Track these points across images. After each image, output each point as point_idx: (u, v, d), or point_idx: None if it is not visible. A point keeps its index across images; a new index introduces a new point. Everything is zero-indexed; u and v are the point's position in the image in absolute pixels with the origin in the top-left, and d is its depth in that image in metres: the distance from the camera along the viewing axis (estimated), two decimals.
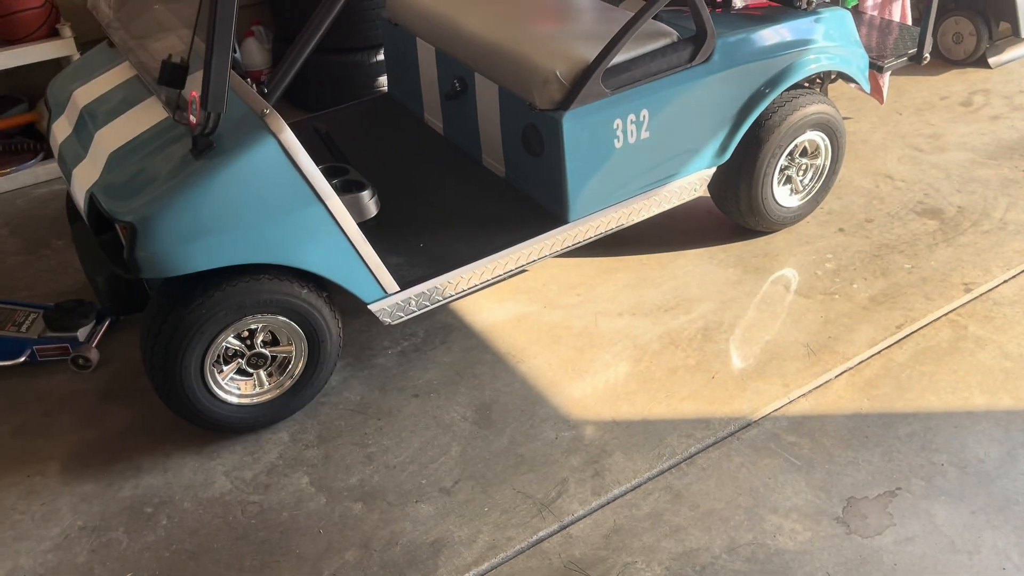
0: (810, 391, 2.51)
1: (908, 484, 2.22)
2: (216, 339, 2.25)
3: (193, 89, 2.05)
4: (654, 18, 2.64)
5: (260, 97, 2.18)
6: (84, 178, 2.30)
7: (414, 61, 3.13)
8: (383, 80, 4.06)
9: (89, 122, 2.43)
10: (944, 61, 4.31)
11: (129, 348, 2.81)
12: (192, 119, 2.06)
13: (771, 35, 2.82)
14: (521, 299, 2.94)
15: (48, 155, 3.87)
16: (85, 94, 2.54)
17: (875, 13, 3.66)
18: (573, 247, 2.72)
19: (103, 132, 2.34)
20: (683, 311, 2.83)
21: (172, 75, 2.02)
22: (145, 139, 2.25)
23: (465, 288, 2.56)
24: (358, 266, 2.34)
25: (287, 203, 2.16)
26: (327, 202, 2.22)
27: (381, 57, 4.01)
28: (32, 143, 3.89)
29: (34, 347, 2.72)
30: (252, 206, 2.12)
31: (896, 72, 4.14)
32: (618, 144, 2.63)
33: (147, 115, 2.32)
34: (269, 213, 2.14)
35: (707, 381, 2.56)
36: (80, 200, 2.32)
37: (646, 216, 2.83)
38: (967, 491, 2.20)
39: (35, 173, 3.81)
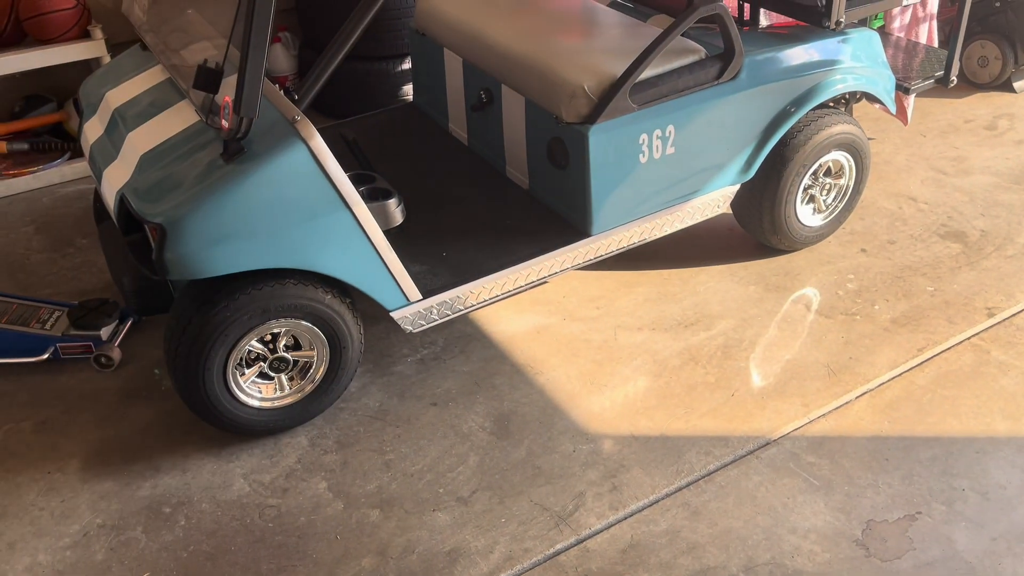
0: (830, 412, 2.50)
1: (928, 509, 2.20)
2: (239, 342, 2.26)
3: (226, 94, 2.07)
4: (682, 35, 2.65)
5: (291, 103, 2.20)
6: (115, 179, 2.32)
7: (441, 71, 3.15)
8: (407, 89, 4.08)
9: (121, 123, 2.45)
10: (969, 84, 4.30)
11: (151, 348, 2.83)
12: (224, 123, 2.08)
13: (798, 54, 2.82)
14: (541, 311, 2.94)
15: (75, 154, 3.91)
16: (117, 96, 2.57)
17: (902, 34, 3.66)
18: (595, 260, 2.72)
19: (135, 134, 2.37)
20: (703, 327, 2.83)
21: (206, 79, 2.04)
22: (176, 142, 2.28)
23: (487, 298, 2.57)
24: (382, 273, 2.35)
25: (315, 209, 2.18)
26: (354, 209, 2.23)
27: (406, 66, 4.04)
28: (59, 142, 3.94)
29: (57, 344, 2.74)
30: (280, 211, 2.14)
31: (920, 94, 4.13)
32: (643, 159, 2.63)
33: (179, 118, 2.34)
34: (297, 218, 2.16)
35: (727, 398, 2.56)
36: (110, 200, 2.34)
37: (669, 231, 2.83)
38: (988, 517, 2.18)
39: (61, 172, 3.85)
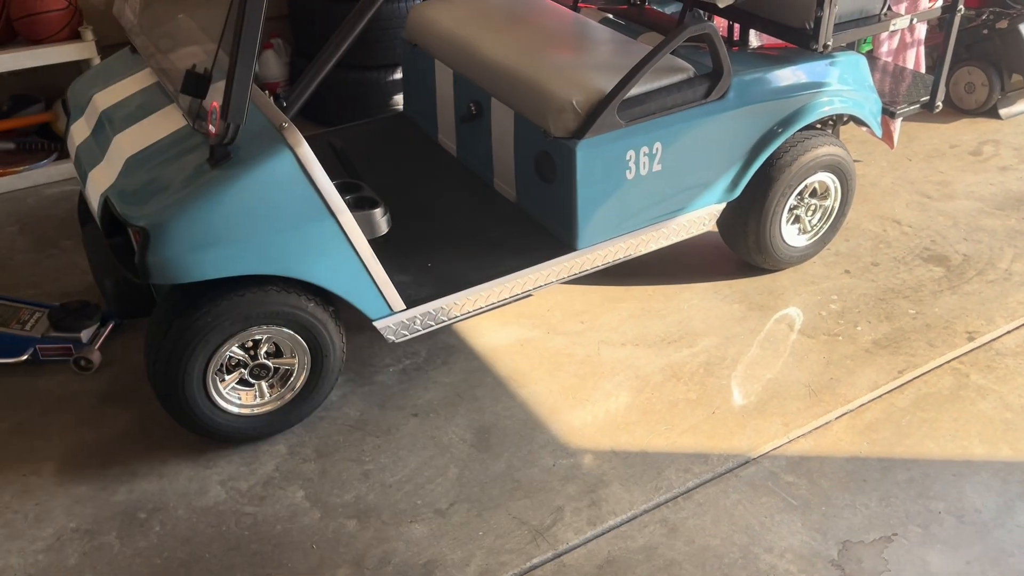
0: (810, 431, 2.51)
1: (904, 530, 2.21)
2: (220, 348, 2.25)
3: (214, 99, 2.07)
4: (672, 53, 2.67)
5: (279, 110, 2.20)
6: (100, 181, 2.31)
7: (431, 82, 3.16)
8: (398, 99, 4.09)
9: (108, 126, 2.45)
10: (955, 110, 4.34)
11: (131, 352, 2.81)
12: (211, 129, 2.08)
13: (786, 76, 2.85)
14: (525, 324, 2.94)
15: (61, 155, 3.90)
16: (105, 98, 2.56)
17: (889, 59, 3.70)
18: (580, 275, 2.73)
19: (121, 137, 2.36)
20: (686, 344, 2.84)
21: (195, 84, 2.04)
22: (162, 146, 2.27)
23: (470, 310, 2.57)
24: (366, 282, 2.35)
25: (300, 216, 2.17)
26: (339, 217, 2.23)
27: (396, 76, 4.04)
28: (47, 143, 3.92)
29: (37, 346, 2.72)
30: (265, 217, 2.13)
31: (907, 119, 4.17)
32: (630, 175, 2.65)
33: (165, 122, 2.34)
34: (281, 225, 2.15)
35: (707, 416, 2.56)
36: (94, 202, 2.33)
37: (654, 248, 2.84)
38: (963, 540, 2.19)
39: (48, 172, 3.83)
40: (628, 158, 2.62)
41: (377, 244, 2.36)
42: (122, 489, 2.34)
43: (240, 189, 2.09)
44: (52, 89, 4.08)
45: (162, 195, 2.13)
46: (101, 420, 2.56)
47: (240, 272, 2.15)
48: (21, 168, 3.79)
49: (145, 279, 2.11)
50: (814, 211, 3.11)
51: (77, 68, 3.93)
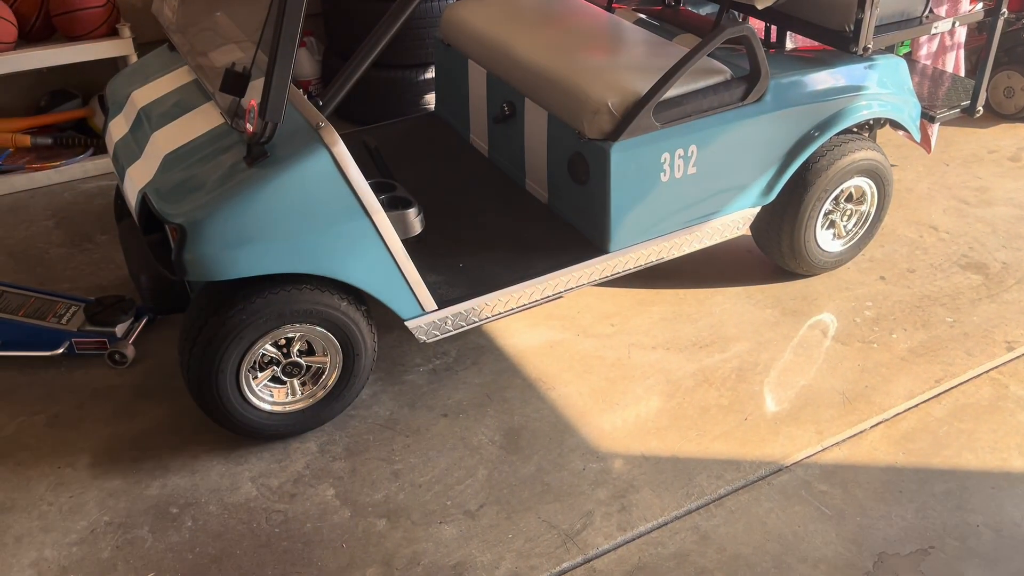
0: (844, 440, 2.47)
1: (942, 543, 2.17)
2: (254, 345, 2.26)
3: (252, 98, 2.08)
4: (708, 55, 2.65)
5: (315, 109, 2.20)
6: (137, 177, 2.33)
7: (464, 82, 3.16)
8: (429, 98, 4.09)
9: (146, 123, 2.47)
10: (994, 115, 4.27)
11: (165, 347, 2.84)
12: (249, 127, 2.09)
13: (824, 79, 2.81)
14: (555, 326, 2.93)
15: (98, 151, 3.94)
16: (144, 95, 2.58)
17: (928, 62, 3.64)
18: (612, 277, 2.71)
19: (159, 134, 2.38)
20: (718, 349, 2.81)
21: (234, 83, 2.05)
22: (200, 143, 2.28)
23: (501, 311, 2.56)
24: (399, 282, 2.35)
25: (335, 215, 2.18)
26: (374, 217, 2.23)
27: (428, 76, 4.05)
28: (83, 138, 3.96)
29: (73, 339, 2.75)
30: (301, 216, 2.14)
31: (945, 123, 4.10)
32: (664, 178, 2.63)
33: (203, 120, 2.35)
34: (317, 224, 2.16)
35: (739, 422, 2.53)
36: (132, 199, 2.35)
37: (687, 251, 2.82)
38: (1002, 555, 2.15)
39: (84, 168, 3.87)
40: (663, 160, 2.59)
41: (409, 244, 2.36)
42: (155, 483, 2.35)
43: (276, 187, 2.10)
44: (89, 85, 4.13)
45: (199, 192, 2.14)
46: (135, 414, 2.59)
47: (275, 270, 2.16)
48: (58, 163, 3.83)
49: (181, 276, 2.12)
50: (850, 216, 3.07)
51: (114, 65, 3.98)
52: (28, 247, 3.40)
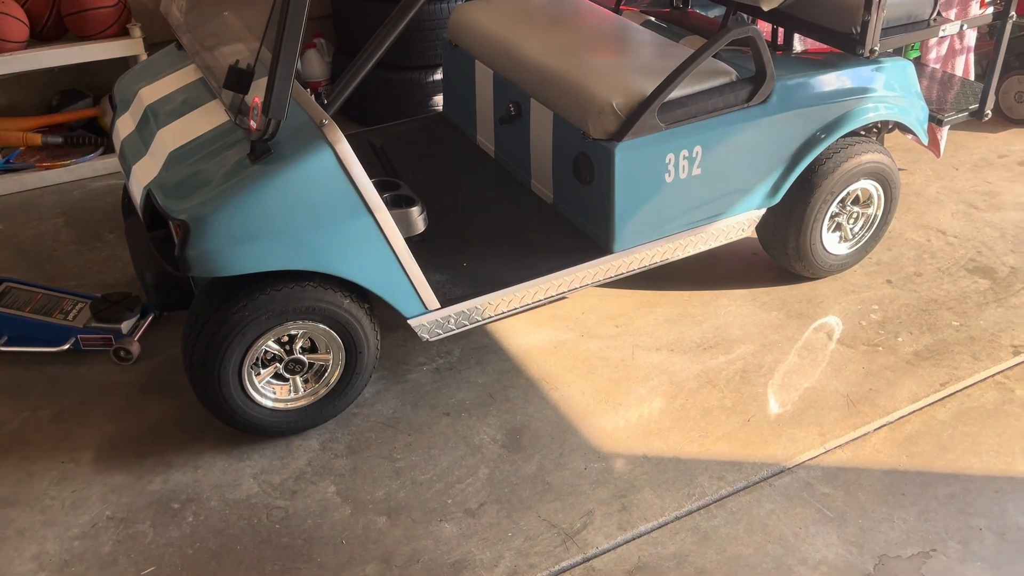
0: (847, 442, 2.46)
1: (944, 547, 2.16)
2: (256, 342, 2.27)
3: (256, 95, 2.09)
4: (714, 56, 2.65)
5: (319, 107, 2.21)
6: (143, 174, 2.35)
7: (471, 83, 3.17)
8: (436, 99, 4.10)
9: (152, 120, 2.48)
10: (1004, 119, 4.24)
11: (170, 344, 2.85)
12: (252, 124, 2.10)
13: (830, 81, 2.80)
14: (559, 326, 2.93)
15: (108, 150, 3.97)
16: (150, 93, 2.60)
17: (937, 66, 3.63)
18: (616, 278, 2.71)
19: (165, 131, 2.40)
20: (722, 351, 2.80)
21: (237, 80, 2.06)
22: (205, 141, 2.30)
23: (505, 310, 2.56)
24: (401, 280, 2.35)
25: (338, 213, 2.18)
26: (377, 215, 2.24)
27: (436, 77, 4.06)
28: (93, 137, 3.99)
29: (79, 336, 2.77)
30: (304, 213, 2.15)
31: (954, 127, 4.09)
32: (669, 179, 2.62)
33: (208, 117, 2.37)
34: (320, 221, 2.17)
35: (742, 424, 2.52)
36: (137, 196, 2.37)
37: (692, 252, 2.81)
38: (1004, 559, 2.13)
39: (94, 166, 3.90)
40: (667, 161, 2.59)
41: (413, 242, 2.37)
42: (157, 479, 2.37)
43: (280, 184, 2.11)
44: (100, 85, 4.16)
45: (203, 189, 2.15)
46: (139, 410, 2.60)
47: (278, 267, 2.17)
48: (68, 161, 3.86)
49: (184, 272, 2.13)
50: (856, 219, 3.06)
51: (124, 64, 4.01)
52: (37, 244, 3.42)
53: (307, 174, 2.13)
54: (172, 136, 2.36)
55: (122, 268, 3.26)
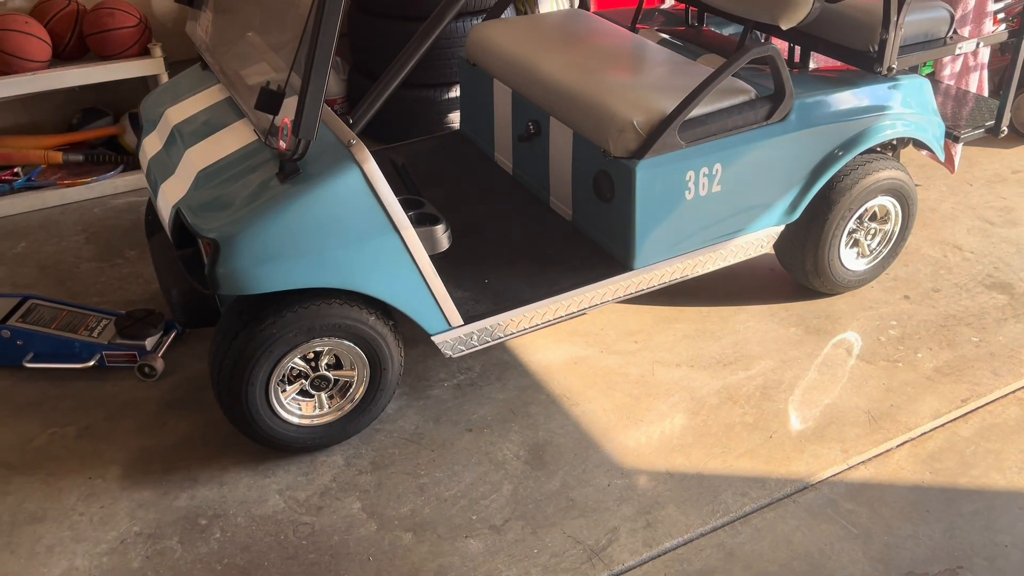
0: (870, 459, 2.47)
1: (970, 563, 2.16)
2: (283, 359, 2.29)
3: (286, 115, 2.12)
4: (732, 74, 2.67)
5: (346, 127, 2.24)
6: (171, 193, 2.38)
7: (489, 101, 3.20)
8: (451, 117, 4.14)
9: (179, 140, 2.52)
10: (1017, 135, 4.26)
11: (193, 360, 2.88)
12: (282, 144, 2.13)
13: (848, 98, 2.83)
14: (578, 342, 2.94)
15: (128, 168, 4.01)
16: (177, 113, 2.64)
17: (952, 83, 3.65)
18: (636, 294, 2.73)
19: (192, 151, 2.43)
20: (742, 367, 2.81)
21: (268, 101, 2.08)
22: (232, 160, 2.33)
23: (526, 327, 2.58)
24: (426, 298, 2.37)
25: (365, 231, 2.21)
26: (403, 233, 2.26)
27: (451, 95, 4.09)
28: (114, 155, 4.03)
29: (103, 352, 2.79)
30: (332, 232, 2.17)
31: (967, 143, 4.10)
32: (689, 196, 2.65)
33: (235, 137, 2.40)
34: (347, 240, 2.19)
35: (764, 440, 2.53)
36: (165, 214, 2.39)
37: (711, 269, 2.83)
38: None
39: (114, 184, 3.94)
40: (687, 179, 2.62)
41: (436, 260, 2.39)
42: (184, 495, 2.38)
43: (309, 204, 2.14)
44: (120, 103, 4.21)
45: (232, 208, 2.18)
46: (164, 426, 2.62)
47: (307, 284, 2.19)
48: (89, 179, 3.90)
49: (214, 290, 2.16)
50: (873, 235, 3.07)
51: (143, 83, 4.06)
52: (59, 261, 3.46)
53: (335, 193, 2.16)
54: (200, 156, 2.39)
55: (144, 285, 3.29)
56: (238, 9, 2.72)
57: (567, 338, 2.96)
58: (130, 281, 3.32)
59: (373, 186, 2.19)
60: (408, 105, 4.10)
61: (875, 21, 2.80)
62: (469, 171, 3.24)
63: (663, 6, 4.01)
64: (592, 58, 2.91)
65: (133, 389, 2.77)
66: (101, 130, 4.11)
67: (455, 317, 2.44)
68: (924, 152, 3.75)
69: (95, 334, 2.83)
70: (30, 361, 2.78)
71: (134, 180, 3.97)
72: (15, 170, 3.91)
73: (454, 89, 4.11)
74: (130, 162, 4.03)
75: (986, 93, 3.66)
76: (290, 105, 2.11)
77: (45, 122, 4.15)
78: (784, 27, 2.71)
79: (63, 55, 3.81)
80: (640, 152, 2.53)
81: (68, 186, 3.88)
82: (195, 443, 2.56)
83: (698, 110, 2.57)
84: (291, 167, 2.16)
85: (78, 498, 2.38)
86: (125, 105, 4.20)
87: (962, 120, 3.32)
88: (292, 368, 2.36)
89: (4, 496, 2.39)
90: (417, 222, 2.36)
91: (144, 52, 3.84)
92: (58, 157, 3.95)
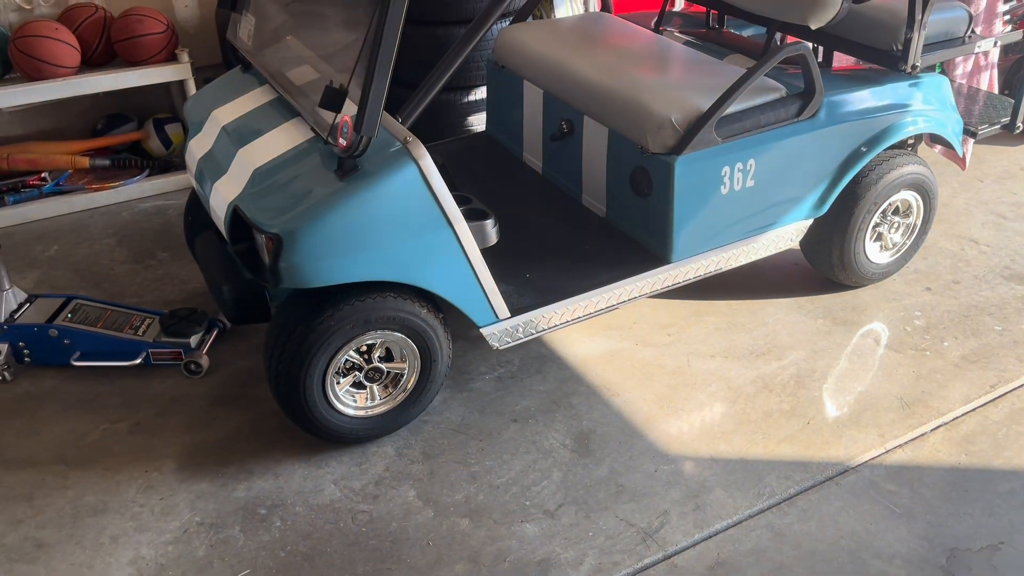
0: (906, 442, 2.55)
1: (1011, 539, 2.24)
2: (340, 351, 2.35)
3: (345, 114, 2.18)
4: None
5: (401, 126, 2.31)
6: (226, 191, 2.43)
7: (519, 102, 3.27)
8: (473, 119, 4.20)
9: (229, 140, 2.57)
10: None
11: (236, 357, 2.92)
12: (342, 142, 2.19)
13: (873, 96, 2.92)
14: (612, 335, 3.01)
15: (153, 172, 4.05)
16: (225, 114, 2.69)
17: (963, 81, 3.75)
18: (672, 287, 2.80)
19: (246, 150, 2.48)
20: (775, 357, 2.89)
21: (332, 99, 2.15)
22: (288, 158, 2.39)
23: (568, 319, 2.65)
24: (476, 290, 2.44)
25: (421, 226, 2.27)
26: (456, 228, 2.33)
27: (471, 97, 4.16)
28: (138, 160, 4.08)
29: (149, 350, 2.84)
30: (390, 227, 2.23)
31: (977, 141, 4.21)
32: (724, 190, 2.72)
33: (289, 136, 2.46)
34: (404, 234, 2.26)
35: (802, 426, 2.61)
36: (220, 212, 2.45)
37: (743, 262, 2.91)
38: None
39: (141, 188, 3.98)
40: (723, 174, 2.69)
41: (483, 254, 2.45)
42: (240, 486, 2.43)
43: (368, 199, 2.20)
44: (143, 109, 4.26)
45: (293, 204, 2.24)
46: (213, 421, 2.67)
47: (366, 278, 2.25)
48: (116, 183, 3.94)
49: (276, 284, 2.21)
50: (897, 228, 3.16)
51: (166, 89, 4.11)
52: (93, 264, 3.49)
53: (393, 190, 2.22)
54: (255, 154, 2.45)
55: (179, 286, 3.33)
56: (285, 13, 2.78)
57: (601, 332, 3.03)
58: (165, 282, 3.36)
59: (429, 182, 2.26)
60: (428, 108, 4.14)
61: (898, 21, 2.89)
62: (499, 170, 3.31)
63: (674, 9, 4.10)
64: (623, 58, 2.99)
65: (179, 386, 2.81)
66: (125, 136, 4.16)
67: (503, 310, 2.51)
68: (937, 149, 3.86)
69: (140, 332, 2.88)
70: (77, 360, 2.82)
71: (160, 184, 4.01)
72: (43, 175, 3.95)
73: (474, 92, 4.17)
74: (156, 167, 4.08)
75: (996, 91, 3.77)
76: (350, 103, 2.17)
77: (69, 128, 4.19)
78: (813, 27, 2.80)
79: (91, 61, 3.86)
80: (678, 148, 2.61)
81: (96, 190, 3.92)
82: (245, 437, 2.60)
83: (733, 107, 2.65)
84: (351, 164, 2.22)
85: (137, 490, 2.42)
86: (148, 111, 4.25)
87: (974, 117, 3.42)
88: (346, 361, 2.42)
89: (63, 490, 2.43)
90: (467, 217, 2.42)
91: (171, 58, 3.90)
92: (85, 162, 3.99)
